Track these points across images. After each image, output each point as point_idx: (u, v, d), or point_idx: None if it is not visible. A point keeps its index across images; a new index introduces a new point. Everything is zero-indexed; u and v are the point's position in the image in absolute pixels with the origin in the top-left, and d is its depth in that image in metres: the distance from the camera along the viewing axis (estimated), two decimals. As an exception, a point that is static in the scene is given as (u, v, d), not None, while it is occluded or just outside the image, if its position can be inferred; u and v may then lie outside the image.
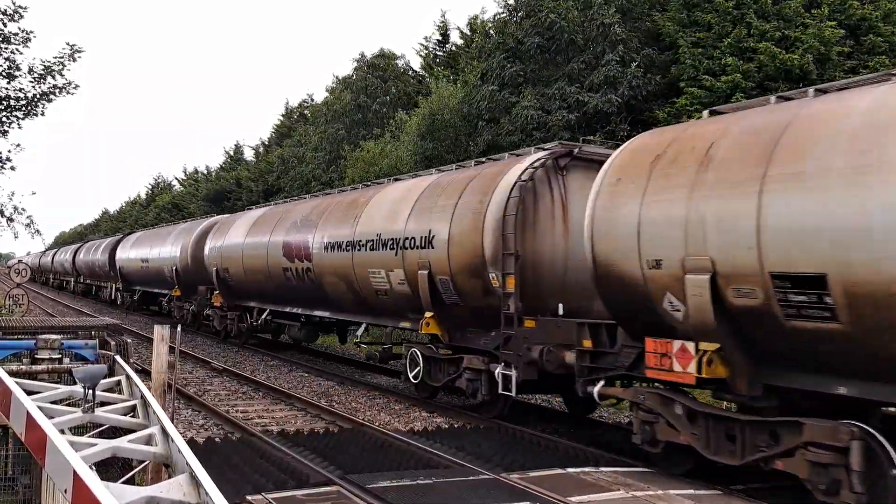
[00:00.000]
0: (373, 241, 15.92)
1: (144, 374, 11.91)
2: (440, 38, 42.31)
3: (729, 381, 8.82)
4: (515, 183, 12.61)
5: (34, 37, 20.53)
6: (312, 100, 54.63)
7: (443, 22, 42.05)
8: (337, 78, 45.28)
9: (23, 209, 22.90)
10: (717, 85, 20.16)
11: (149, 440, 4.96)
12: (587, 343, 11.12)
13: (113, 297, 45.49)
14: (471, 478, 9.24)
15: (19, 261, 46.40)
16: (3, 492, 7.61)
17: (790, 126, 8.25)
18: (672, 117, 20.00)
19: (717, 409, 9.34)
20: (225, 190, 55.92)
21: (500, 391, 12.63)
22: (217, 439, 11.84)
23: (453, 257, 13.47)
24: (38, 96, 21.02)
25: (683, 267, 8.88)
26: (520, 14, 25.88)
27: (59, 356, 8.07)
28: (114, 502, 3.47)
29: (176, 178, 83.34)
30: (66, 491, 3.94)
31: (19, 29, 20.61)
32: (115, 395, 6.57)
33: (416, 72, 43.05)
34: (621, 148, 10.94)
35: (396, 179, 18.16)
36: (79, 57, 21.11)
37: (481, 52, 28.66)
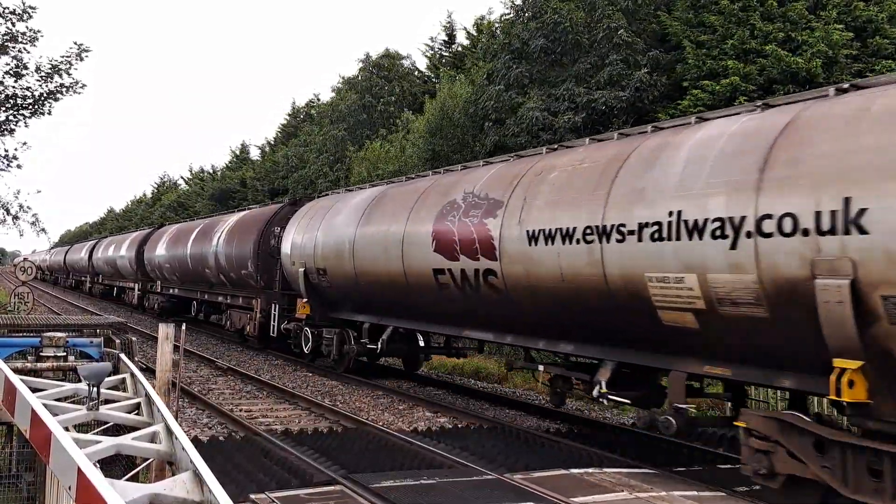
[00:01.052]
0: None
1: (149, 372, 11.97)
2: (446, 38, 42.39)
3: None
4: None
5: (41, 36, 20.62)
6: (319, 100, 54.75)
7: (449, 22, 42.19)
8: (342, 78, 45.40)
9: (28, 207, 22.99)
10: (717, 88, 20.16)
11: (153, 438, 4.97)
12: None
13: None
14: (474, 478, 9.25)
15: (24, 259, 44.68)
16: (7, 489, 7.63)
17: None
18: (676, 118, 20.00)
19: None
20: (230, 189, 56.04)
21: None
22: (221, 438, 11.87)
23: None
24: (44, 95, 21.10)
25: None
26: (527, 15, 25.88)
27: (64, 354, 8.08)
28: (118, 499, 3.48)
29: (182, 177, 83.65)
30: (70, 488, 3.95)
31: (27, 28, 20.70)
32: (120, 393, 6.59)
33: (421, 72, 43.11)
34: None
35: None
36: (86, 56, 21.21)
37: (487, 52, 28.69)
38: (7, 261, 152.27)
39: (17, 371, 6.46)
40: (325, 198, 21.20)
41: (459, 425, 13.31)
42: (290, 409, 14.96)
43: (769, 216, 7.89)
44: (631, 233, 9.53)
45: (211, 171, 71.61)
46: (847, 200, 7.23)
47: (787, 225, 7.70)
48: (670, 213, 9.02)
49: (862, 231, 7.09)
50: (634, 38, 23.43)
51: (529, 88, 24.87)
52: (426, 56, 43.79)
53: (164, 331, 9.11)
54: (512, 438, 12.04)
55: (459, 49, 40.89)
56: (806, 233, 7.54)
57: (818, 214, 7.44)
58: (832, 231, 7.32)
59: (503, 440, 11.87)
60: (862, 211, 7.10)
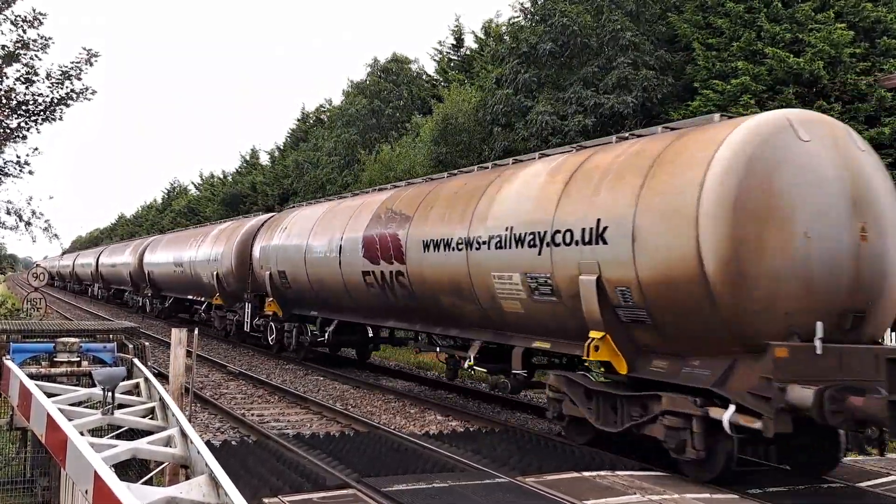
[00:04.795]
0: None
1: (161, 377, 12.00)
2: (454, 42, 42.38)
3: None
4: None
5: (52, 43, 20.72)
6: (331, 104, 54.79)
7: (457, 26, 42.14)
8: (351, 82, 45.48)
9: (41, 213, 23.07)
10: (727, 88, 20.18)
11: (168, 442, 5.00)
12: None
13: None
14: (486, 481, 9.24)
15: (37, 265, 45.35)
16: (22, 494, 7.68)
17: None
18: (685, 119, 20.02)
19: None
20: (241, 194, 56.19)
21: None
22: (233, 442, 11.88)
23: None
24: (55, 101, 21.20)
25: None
26: (535, 18, 25.88)
27: (78, 359, 8.13)
28: (135, 502, 3.50)
29: (192, 183, 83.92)
30: (86, 492, 3.98)
31: (38, 35, 20.81)
32: (134, 398, 6.63)
33: (429, 76, 43.14)
34: None
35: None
36: (95, 61, 21.26)
37: (495, 56, 28.67)
38: (20, 267, 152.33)
39: (31, 376, 6.51)
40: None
41: (471, 428, 13.31)
42: (301, 413, 14.99)
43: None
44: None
45: (221, 177, 71.77)
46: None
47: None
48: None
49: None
50: (641, 39, 23.43)
51: (538, 92, 24.85)
52: (434, 60, 43.86)
53: (177, 335, 9.15)
54: (524, 441, 12.03)
55: (468, 53, 40.91)
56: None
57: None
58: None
59: (515, 443, 11.85)
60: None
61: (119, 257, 48.08)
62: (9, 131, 20.96)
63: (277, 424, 13.74)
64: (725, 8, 21.79)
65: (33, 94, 20.99)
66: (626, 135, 11.83)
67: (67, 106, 21.37)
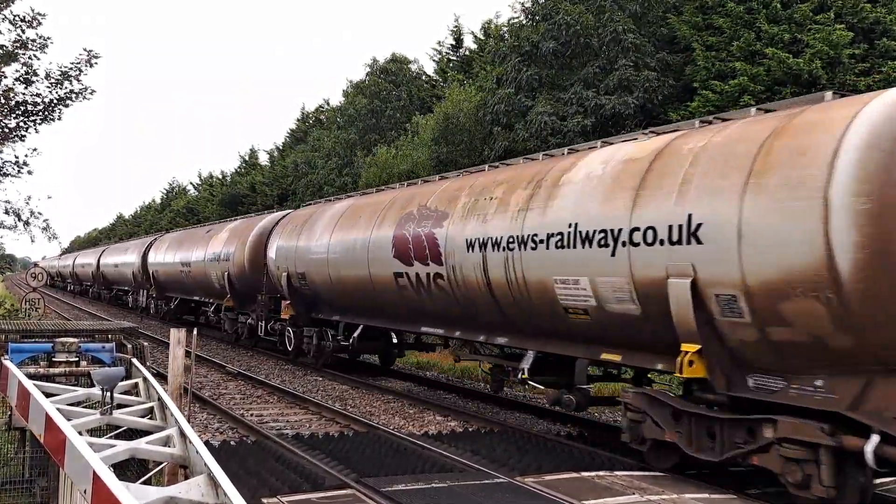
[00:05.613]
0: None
1: (160, 377, 11.99)
2: (454, 42, 42.37)
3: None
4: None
5: (51, 43, 20.69)
6: (329, 104, 54.70)
7: (456, 26, 42.11)
8: (351, 83, 45.40)
9: (39, 213, 23.03)
10: (725, 88, 20.18)
11: (167, 442, 5.00)
12: None
13: None
14: (486, 481, 9.24)
15: (35, 264, 45.14)
16: (20, 494, 7.67)
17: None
18: (685, 120, 20.03)
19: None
20: (240, 194, 56.15)
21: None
22: (232, 442, 11.89)
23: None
24: (54, 101, 21.17)
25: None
26: (537, 18, 25.85)
27: (77, 359, 8.12)
28: (134, 502, 3.50)
29: (191, 183, 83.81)
30: (85, 491, 3.97)
31: (37, 35, 20.78)
32: (133, 398, 6.63)
33: (429, 76, 43.10)
34: None
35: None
36: (95, 63, 21.24)
37: (496, 55, 28.63)
38: (17, 267, 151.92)
39: (30, 376, 6.50)
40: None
41: (470, 429, 13.30)
42: (300, 414, 14.98)
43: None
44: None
45: (220, 177, 71.66)
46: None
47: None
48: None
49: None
50: (643, 41, 23.42)
51: (539, 92, 24.83)
52: (434, 60, 43.82)
53: (176, 336, 9.14)
54: (523, 442, 12.02)
55: (467, 53, 40.89)
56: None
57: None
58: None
59: (514, 444, 11.84)
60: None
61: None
62: (7, 131, 20.93)
63: (276, 424, 13.73)
64: (726, 9, 21.79)
65: (32, 95, 20.97)
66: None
67: (66, 106, 21.34)
